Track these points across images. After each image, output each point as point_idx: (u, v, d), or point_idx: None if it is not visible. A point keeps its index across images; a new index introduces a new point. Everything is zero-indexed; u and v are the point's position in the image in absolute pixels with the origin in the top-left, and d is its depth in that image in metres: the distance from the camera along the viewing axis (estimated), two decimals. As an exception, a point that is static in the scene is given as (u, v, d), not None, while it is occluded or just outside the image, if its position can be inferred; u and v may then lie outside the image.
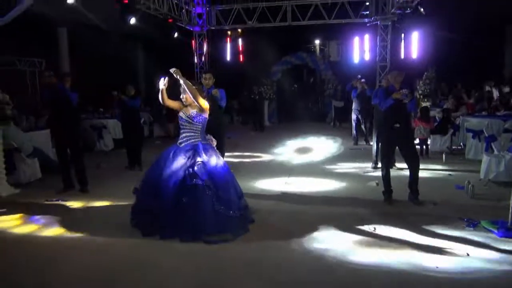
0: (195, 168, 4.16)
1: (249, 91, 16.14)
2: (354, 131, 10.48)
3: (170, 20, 11.03)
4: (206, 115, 4.46)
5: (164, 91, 4.45)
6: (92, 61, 12.81)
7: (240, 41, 16.53)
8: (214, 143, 4.59)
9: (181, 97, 4.47)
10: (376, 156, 7.58)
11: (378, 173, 7.08)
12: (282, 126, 15.99)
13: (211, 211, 4.09)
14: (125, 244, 4.15)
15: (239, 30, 15.16)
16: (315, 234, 4.25)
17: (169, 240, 4.11)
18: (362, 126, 10.57)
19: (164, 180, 4.16)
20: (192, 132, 4.41)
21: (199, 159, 4.23)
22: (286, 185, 6.55)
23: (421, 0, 9.07)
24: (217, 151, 4.58)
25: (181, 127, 4.48)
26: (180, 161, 4.23)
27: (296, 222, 4.69)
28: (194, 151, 4.30)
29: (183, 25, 12.49)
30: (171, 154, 4.31)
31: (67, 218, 4.95)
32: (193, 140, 4.39)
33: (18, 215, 5.12)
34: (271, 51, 18.39)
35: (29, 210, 5.30)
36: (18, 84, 11.10)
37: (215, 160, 4.36)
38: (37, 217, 5.03)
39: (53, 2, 8.61)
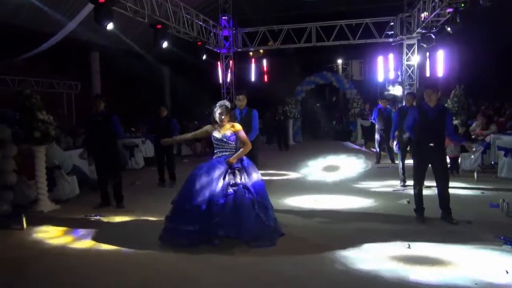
0: (235, 171, 4.44)
1: (274, 111, 16.36)
2: (377, 149, 10.49)
3: (199, 43, 11.44)
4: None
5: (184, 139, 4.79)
6: (122, 82, 13.38)
7: (264, 61, 16.94)
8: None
9: (219, 118, 4.65)
10: (404, 174, 7.56)
11: (408, 191, 7.09)
12: (306, 145, 16.06)
13: (252, 213, 4.34)
14: (165, 258, 4.29)
15: (261, 50, 15.56)
16: (350, 251, 4.30)
17: (208, 252, 4.25)
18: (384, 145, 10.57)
19: (209, 186, 4.35)
20: (228, 151, 4.61)
21: (237, 166, 4.50)
22: (316, 202, 6.61)
23: (448, 19, 9.14)
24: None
25: (216, 146, 4.68)
26: (221, 168, 4.45)
27: (329, 238, 4.75)
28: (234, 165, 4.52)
29: (210, 48, 12.92)
30: (210, 165, 4.51)
31: (108, 233, 5.16)
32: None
33: (61, 230, 5.38)
34: (294, 71, 18.71)
35: (70, 225, 5.55)
36: (56, 105, 11.67)
37: (252, 171, 4.60)
38: (79, 231, 5.28)
39: (88, 28, 9.13)
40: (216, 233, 4.28)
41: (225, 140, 4.61)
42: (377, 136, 10.28)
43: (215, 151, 4.72)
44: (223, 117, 4.64)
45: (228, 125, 4.67)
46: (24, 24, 9.24)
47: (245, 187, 4.40)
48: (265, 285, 3.62)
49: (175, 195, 4.67)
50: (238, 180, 4.41)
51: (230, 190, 4.34)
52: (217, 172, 4.42)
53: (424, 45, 11.09)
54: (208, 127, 4.78)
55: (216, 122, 4.71)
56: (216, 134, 4.66)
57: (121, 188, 6.55)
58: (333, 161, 11.20)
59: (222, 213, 4.28)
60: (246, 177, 4.49)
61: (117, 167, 6.66)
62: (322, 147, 13.95)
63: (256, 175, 4.62)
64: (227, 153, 4.62)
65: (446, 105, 11.64)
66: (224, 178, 4.39)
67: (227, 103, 4.80)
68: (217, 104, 4.78)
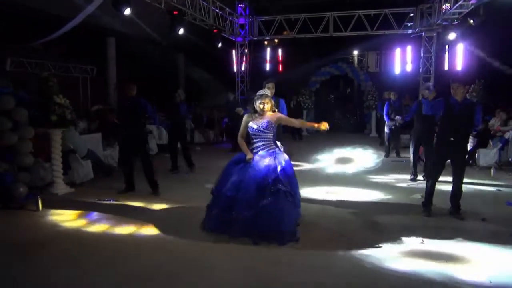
0: (278, 174, 4.30)
1: (288, 101, 16.27)
2: (386, 143, 10.37)
3: (215, 31, 11.37)
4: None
5: None
6: (137, 68, 13.37)
7: (279, 51, 16.77)
8: (283, 149, 4.73)
9: (259, 104, 4.54)
10: (414, 167, 7.47)
11: (423, 186, 6.99)
12: (319, 136, 15.91)
13: (293, 216, 4.33)
14: (183, 243, 4.33)
15: (276, 40, 15.39)
16: (363, 243, 4.27)
17: (229, 241, 4.24)
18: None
19: (246, 183, 4.26)
20: (266, 141, 4.54)
21: (279, 166, 4.37)
22: (328, 194, 6.57)
23: (470, 10, 8.88)
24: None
25: (253, 137, 4.59)
26: (261, 167, 4.35)
27: (342, 230, 4.74)
28: (273, 158, 4.44)
29: (226, 35, 12.83)
30: (253, 161, 4.43)
31: (121, 217, 5.20)
32: (268, 148, 4.53)
33: (76, 213, 5.45)
34: (309, 61, 18.49)
35: (84, 208, 5.63)
36: (71, 89, 11.74)
37: (290, 167, 4.53)
38: (93, 215, 5.35)
39: (105, 13, 9.13)
40: (255, 242, 4.20)
41: (262, 129, 4.52)
42: (386, 129, 10.13)
43: (252, 141, 4.61)
44: (265, 106, 4.53)
45: (269, 115, 4.57)
46: (42, 7, 9.28)
47: (286, 192, 4.26)
48: (280, 272, 3.63)
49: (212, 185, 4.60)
50: (280, 186, 4.23)
51: (269, 198, 4.19)
52: (256, 169, 4.33)
53: (444, 38, 10.81)
54: (246, 118, 4.64)
55: (256, 111, 4.60)
56: (253, 125, 4.56)
57: (154, 175, 6.50)
58: (346, 153, 11.11)
59: (261, 221, 4.16)
60: (284, 174, 4.37)
61: (148, 155, 6.67)
62: (336, 139, 13.81)
63: (291, 168, 4.55)
64: (262, 143, 4.55)
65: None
66: (264, 176, 4.28)
67: (268, 92, 4.71)
68: (257, 94, 4.66)
